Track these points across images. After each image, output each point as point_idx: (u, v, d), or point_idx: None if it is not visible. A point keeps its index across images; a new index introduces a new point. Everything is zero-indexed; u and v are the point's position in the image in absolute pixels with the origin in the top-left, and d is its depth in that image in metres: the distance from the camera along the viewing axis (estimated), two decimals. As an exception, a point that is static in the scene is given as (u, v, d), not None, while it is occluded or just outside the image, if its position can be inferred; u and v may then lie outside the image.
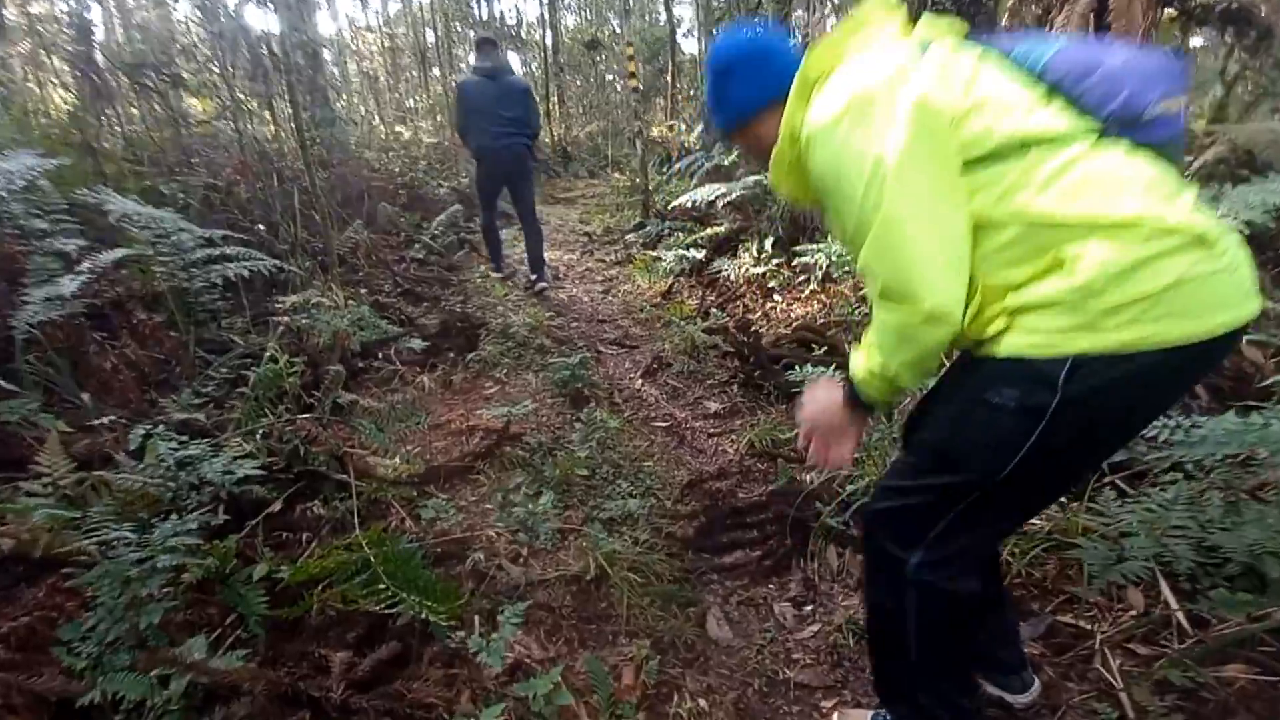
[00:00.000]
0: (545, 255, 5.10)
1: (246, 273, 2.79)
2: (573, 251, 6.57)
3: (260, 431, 2.18)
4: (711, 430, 2.81)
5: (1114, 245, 0.83)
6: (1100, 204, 0.85)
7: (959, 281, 0.90)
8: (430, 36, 20.19)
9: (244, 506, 1.93)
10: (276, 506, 1.99)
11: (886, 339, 0.96)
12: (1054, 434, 0.89)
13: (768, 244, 4.28)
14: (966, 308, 0.92)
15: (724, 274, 4.25)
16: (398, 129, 13.10)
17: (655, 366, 3.40)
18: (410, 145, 8.43)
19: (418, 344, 3.44)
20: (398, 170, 6.72)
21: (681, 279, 4.82)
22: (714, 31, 15.55)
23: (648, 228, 6.08)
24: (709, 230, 4.68)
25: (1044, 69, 0.92)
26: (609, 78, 21.14)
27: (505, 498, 2.19)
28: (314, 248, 3.88)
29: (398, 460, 2.29)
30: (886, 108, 0.90)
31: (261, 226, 3.40)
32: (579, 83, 21.10)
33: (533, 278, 4.92)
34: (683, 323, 3.84)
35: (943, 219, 0.89)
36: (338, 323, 2.92)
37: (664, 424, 2.87)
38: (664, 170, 8.51)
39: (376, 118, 11.34)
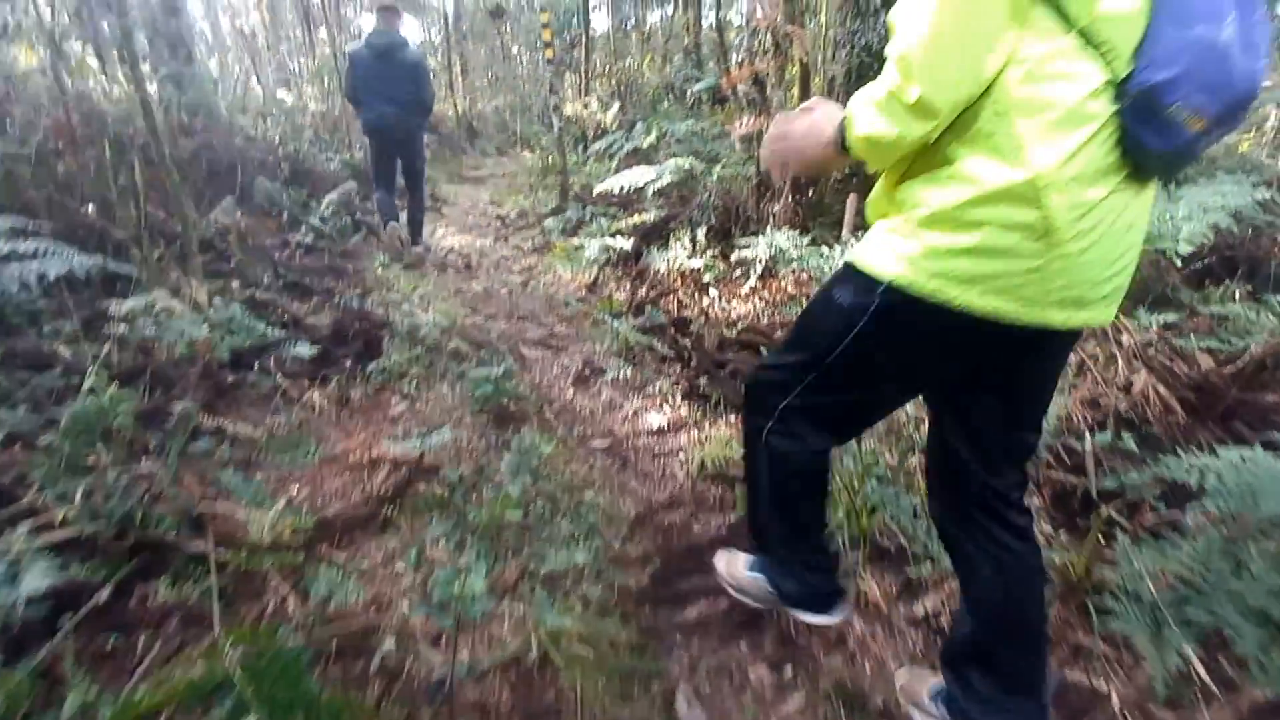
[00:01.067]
0: (455, 241, 5.06)
1: (52, 274, 2.13)
2: (485, 237, 5.99)
3: (82, 489, 1.61)
4: (656, 449, 2.49)
5: (998, 188, 0.85)
6: (1019, 138, 0.83)
7: (956, 94, 0.84)
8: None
9: (61, 596, 1.40)
10: (104, 595, 1.46)
11: (868, 117, 0.91)
12: (867, 336, 0.99)
13: (700, 234, 3.98)
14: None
15: (654, 267, 3.91)
16: (280, 94, 11.66)
17: (587, 373, 3.02)
18: (294, 112, 7.41)
19: (305, 350, 2.86)
20: (278, 140, 5.83)
21: (607, 269, 4.44)
22: (623, 6, 14.98)
23: (567, 213, 5.62)
24: (635, 218, 4.32)
25: None
26: (515, 49, 20.03)
27: (421, 556, 1.76)
28: (169, 232, 3.15)
29: (277, 512, 1.79)
30: None
31: (91, 207, 2.66)
32: (483, 53, 19.86)
33: (414, 245, 4.99)
34: (613, 320, 3.47)
35: (983, 45, 0.82)
36: (195, 331, 2.31)
37: (603, 443, 2.51)
38: (580, 150, 8.02)
39: (255, 78, 9.99)
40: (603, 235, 4.63)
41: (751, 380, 1.27)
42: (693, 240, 4.00)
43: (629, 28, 13.92)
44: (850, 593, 1.60)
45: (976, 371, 1.03)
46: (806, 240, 3.40)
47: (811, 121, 1.05)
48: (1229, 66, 0.78)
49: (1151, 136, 0.81)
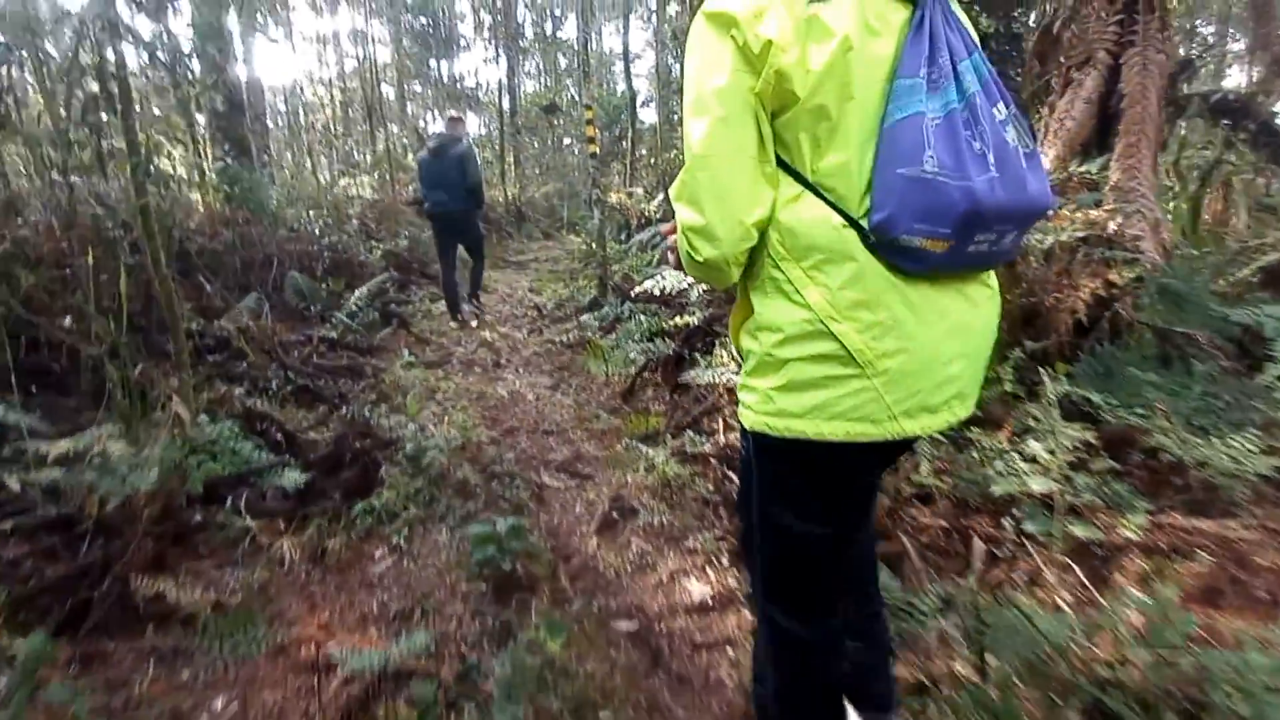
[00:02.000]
0: (488, 333, 5.22)
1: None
2: (519, 328, 5.68)
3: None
4: (698, 637, 1.90)
5: (795, 323, 0.92)
6: (802, 277, 0.91)
7: (733, 249, 0.93)
8: (389, 92, 19.54)
9: None
10: None
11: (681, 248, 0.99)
12: (779, 485, 1.05)
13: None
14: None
15: (698, 379, 3.42)
16: (343, 182, 12.15)
17: (615, 515, 2.49)
18: (344, 202, 7.47)
19: (292, 480, 2.44)
20: (319, 231, 5.75)
21: (646, 375, 3.98)
22: (670, 102, 15.43)
23: (604, 308, 5.26)
24: (679, 319, 3.89)
25: (887, 129, 0.87)
26: (566, 141, 20.86)
27: None
28: (155, 346, 2.87)
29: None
30: (742, 29, 0.86)
31: (69, 321, 2.39)
32: (535, 144, 20.72)
33: (464, 307, 5.70)
34: (649, 447, 2.97)
35: (744, 195, 0.91)
36: (138, 479, 1.89)
37: (629, 625, 1.94)
38: (622, 239, 7.82)
39: (317, 170, 10.37)
40: (642, 336, 4.21)
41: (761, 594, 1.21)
42: (741, 347, 3.53)
43: (675, 121, 14.19)
44: None
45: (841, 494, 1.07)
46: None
47: (673, 245, 1.16)
48: (944, 194, 0.82)
49: (905, 262, 0.88)
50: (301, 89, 20.76)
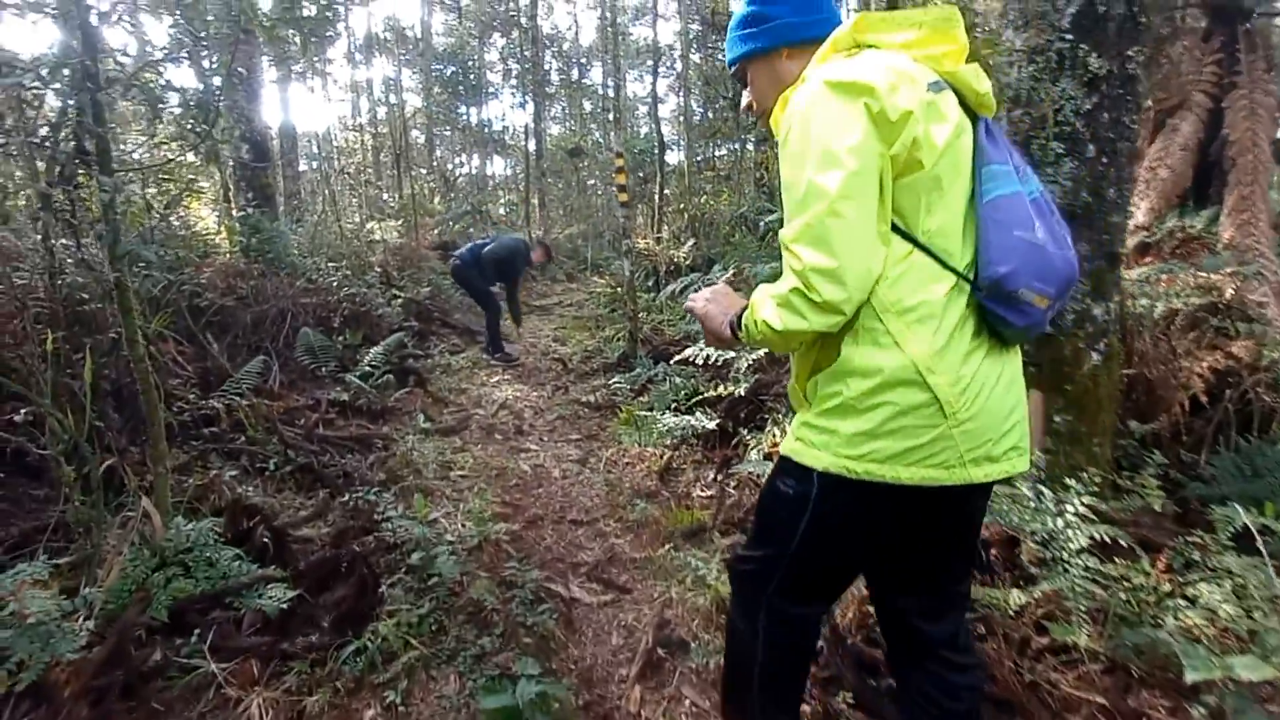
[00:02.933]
0: (509, 392, 4.98)
1: None
2: (543, 386, 5.27)
3: None
4: None
5: (887, 372, 0.97)
6: (899, 331, 0.97)
7: (860, 296, 0.96)
8: (418, 137, 19.81)
9: None
10: None
11: (778, 294, 1.00)
12: (820, 518, 1.08)
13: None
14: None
15: (750, 469, 2.96)
16: (369, 225, 12.08)
17: (659, 652, 2.01)
18: (365, 250, 7.24)
19: (274, 601, 2.01)
20: (338, 283, 5.46)
21: (684, 449, 3.53)
22: (695, 145, 15.31)
23: (636, 369, 4.85)
24: (720, 388, 3.46)
25: (990, 201, 0.98)
26: (590, 182, 20.88)
27: None
28: (134, 434, 2.50)
29: None
30: (883, 99, 0.95)
31: (24, 413, 2.03)
32: (560, 186, 20.77)
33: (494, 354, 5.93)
34: (695, 550, 2.50)
35: (868, 245, 0.96)
36: (62, 644, 1.46)
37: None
38: (649, 286, 7.46)
39: (342, 217, 10.27)
40: (679, 406, 3.78)
41: (733, 573, 1.29)
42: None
43: (700, 163, 14.02)
44: None
45: (906, 540, 1.11)
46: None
47: (708, 316, 1.19)
48: (1050, 259, 0.97)
49: (1012, 316, 0.97)
50: (333, 135, 21.18)
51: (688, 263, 7.46)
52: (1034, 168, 2.55)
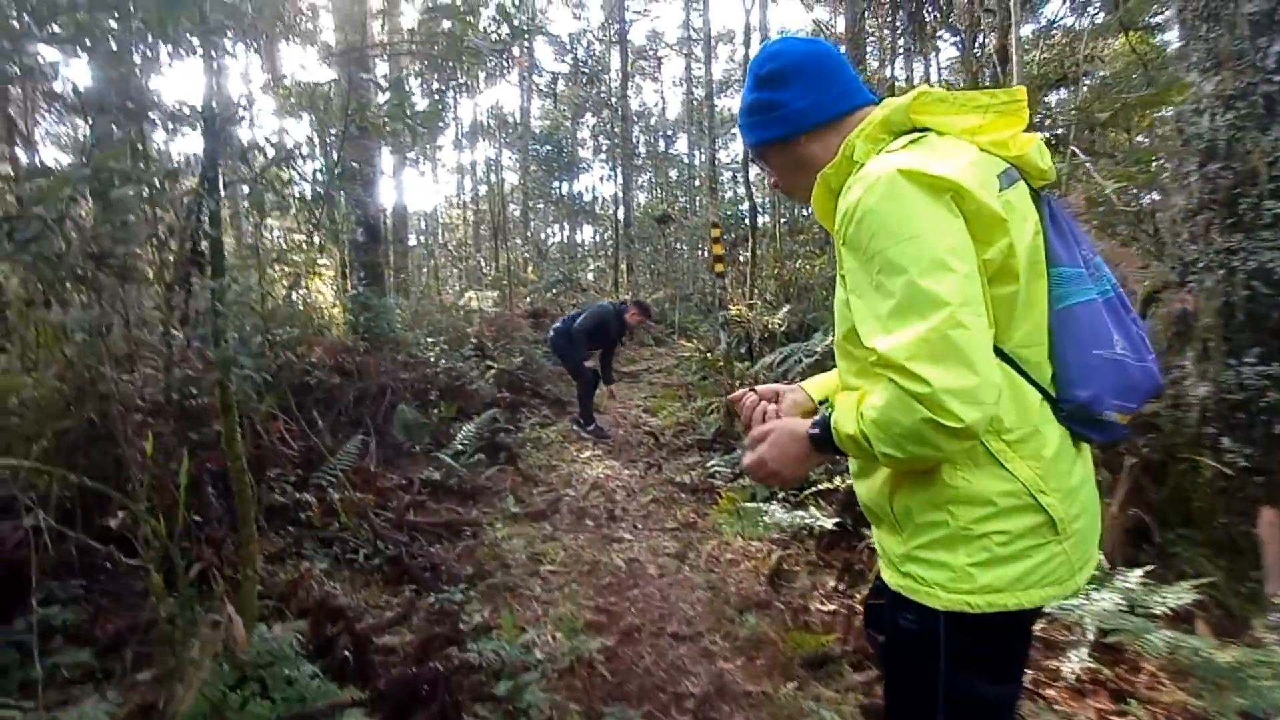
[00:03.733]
0: (600, 469, 4.78)
1: None
2: (634, 464, 5.00)
3: None
4: None
5: (1003, 494, 0.89)
6: (1006, 450, 0.90)
7: (992, 408, 0.83)
8: (514, 210, 21.04)
9: None
10: None
11: (895, 424, 0.83)
12: (954, 659, 0.93)
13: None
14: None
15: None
16: (467, 295, 12.67)
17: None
18: (460, 323, 7.43)
19: (350, 733, 1.80)
20: (434, 357, 5.55)
21: (796, 547, 3.11)
22: (782, 207, 15.17)
23: (736, 450, 4.49)
24: (838, 480, 3.04)
25: (1065, 310, 0.92)
26: (678, 247, 21.14)
27: None
28: (234, 523, 2.44)
29: None
30: (976, 196, 0.85)
31: (115, 522, 1.99)
32: (648, 252, 21.16)
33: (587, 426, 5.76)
34: (823, 688, 2.07)
35: (987, 353, 0.84)
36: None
37: None
38: (742, 354, 7.14)
39: (443, 288, 10.80)
40: (789, 498, 3.38)
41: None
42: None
43: (787, 224, 13.80)
44: None
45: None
46: (1187, 590, 1.85)
47: (779, 446, 1.01)
48: (1130, 374, 0.92)
49: (1095, 434, 0.95)
50: (439, 213, 22.89)
51: (782, 329, 7.09)
52: (1244, 231, 1.95)
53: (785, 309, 7.28)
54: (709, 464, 4.49)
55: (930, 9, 4.90)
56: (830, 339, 6.00)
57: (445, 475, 4.07)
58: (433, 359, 5.49)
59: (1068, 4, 7.04)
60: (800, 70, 1.03)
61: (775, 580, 2.93)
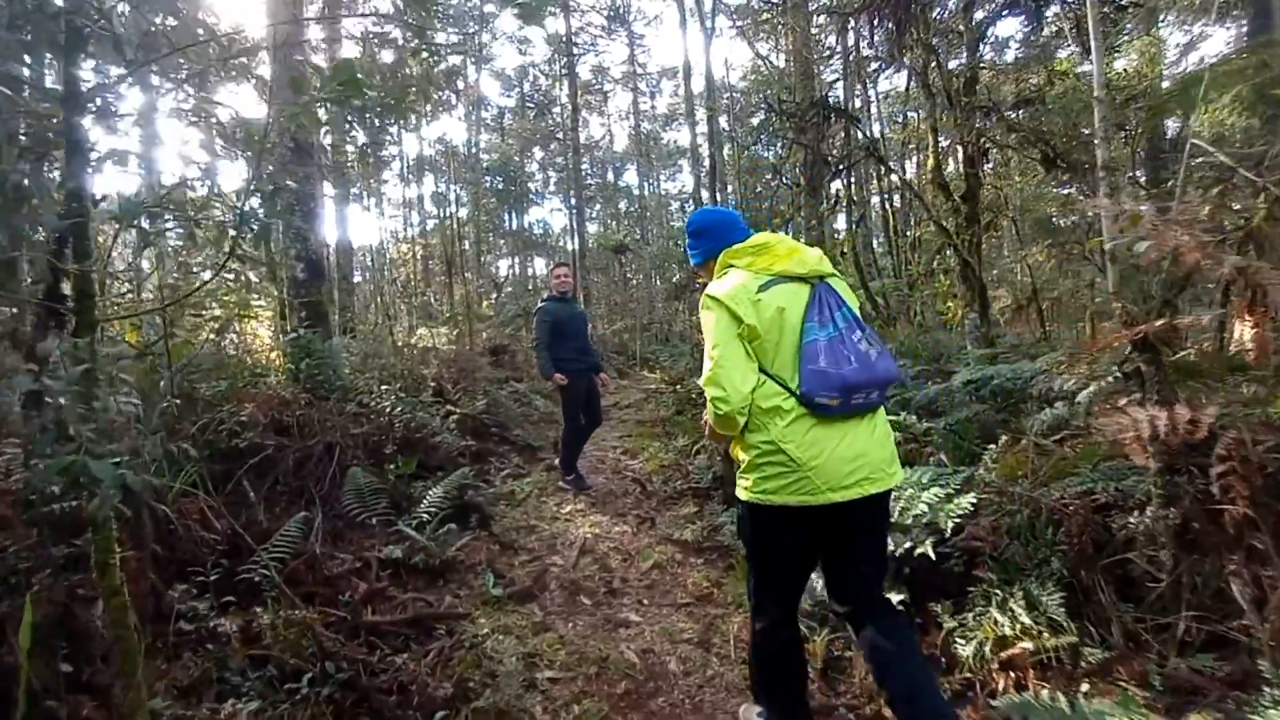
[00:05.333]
0: (585, 528, 4.07)
1: None
2: (623, 518, 4.40)
3: None
4: None
5: (765, 444, 1.71)
6: (766, 422, 1.71)
7: (740, 403, 1.70)
8: (467, 244, 20.26)
9: None
10: None
11: (711, 409, 1.75)
12: (757, 531, 1.84)
13: (1046, 594, 2.11)
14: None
15: (957, 650, 2.02)
16: (420, 332, 11.83)
17: None
18: (415, 365, 6.70)
19: None
20: (388, 407, 4.83)
21: (847, 627, 2.58)
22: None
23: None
24: (901, 541, 2.55)
25: (806, 343, 1.72)
26: (632, 279, 20.79)
27: None
28: (102, 685, 1.72)
29: None
30: (730, 307, 1.74)
31: None
32: (604, 283, 20.72)
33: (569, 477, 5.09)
34: None
35: (740, 376, 1.71)
36: None
37: None
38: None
39: (394, 327, 9.98)
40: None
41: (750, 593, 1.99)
42: (1028, 602, 2.12)
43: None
44: None
45: (818, 539, 1.80)
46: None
47: (708, 420, 1.84)
48: (829, 378, 1.66)
49: (819, 410, 1.68)
50: (386, 247, 21.86)
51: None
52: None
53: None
54: (710, 516, 3.94)
55: (905, 26, 4.77)
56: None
57: (409, 551, 3.37)
58: (387, 408, 4.77)
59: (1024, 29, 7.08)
60: (705, 230, 2.02)
61: (827, 673, 2.39)
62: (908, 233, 12.85)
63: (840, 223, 16.66)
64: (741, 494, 1.79)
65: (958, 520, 2.36)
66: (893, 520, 2.51)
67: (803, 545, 1.80)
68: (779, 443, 1.66)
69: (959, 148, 6.43)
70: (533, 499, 4.79)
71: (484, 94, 20.35)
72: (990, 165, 7.25)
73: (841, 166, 6.60)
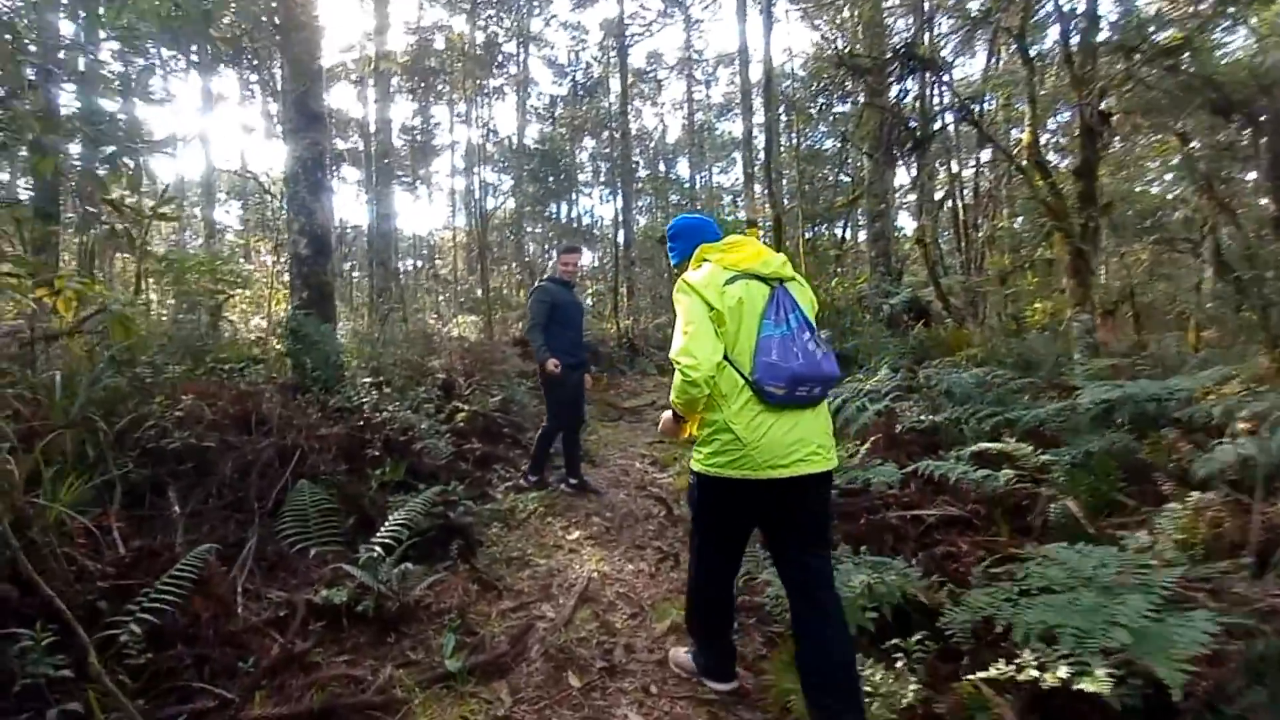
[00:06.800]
0: (591, 563, 3.34)
1: None
2: (641, 551, 3.53)
3: None
4: None
5: (717, 422, 1.89)
6: (721, 404, 1.88)
7: (709, 371, 1.84)
8: (510, 236, 19.78)
9: None
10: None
11: (676, 388, 1.90)
12: (704, 499, 2.03)
13: None
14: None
15: None
16: (457, 319, 11.28)
17: None
18: (424, 354, 6.00)
19: None
20: (369, 402, 4.10)
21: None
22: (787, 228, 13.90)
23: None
24: (937, 594, 1.60)
25: (761, 337, 1.88)
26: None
27: None
28: None
29: None
30: (700, 293, 1.92)
31: None
32: (648, 275, 19.87)
33: (571, 481, 4.60)
34: None
35: (710, 348, 1.86)
36: None
37: None
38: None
39: (429, 313, 9.40)
40: (873, 611, 1.93)
41: (691, 540, 2.28)
42: None
43: (817, 236, 12.52)
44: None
45: (762, 513, 1.99)
46: None
47: (664, 419, 2.15)
48: (778, 370, 1.81)
49: (767, 397, 1.83)
50: (433, 236, 21.66)
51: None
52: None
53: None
54: (746, 562, 3.01)
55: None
56: (886, 373, 4.50)
57: (355, 594, 2.60)
58: (367, 405, 4.04)
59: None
60: (682, 232, 2.27)
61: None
62: (979, 226, 11.46)
63: (901, 220, 15.23)
64: (694, 465, 1.99)
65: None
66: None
67: (740, 515, 2.00)
68: (728, 422, 1.84)
69: (1075, 113, 5.23)
70: (535, 518, 3.98)
71: (533, 76, 19.76)
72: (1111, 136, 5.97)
73: (922, 136, 5.50)
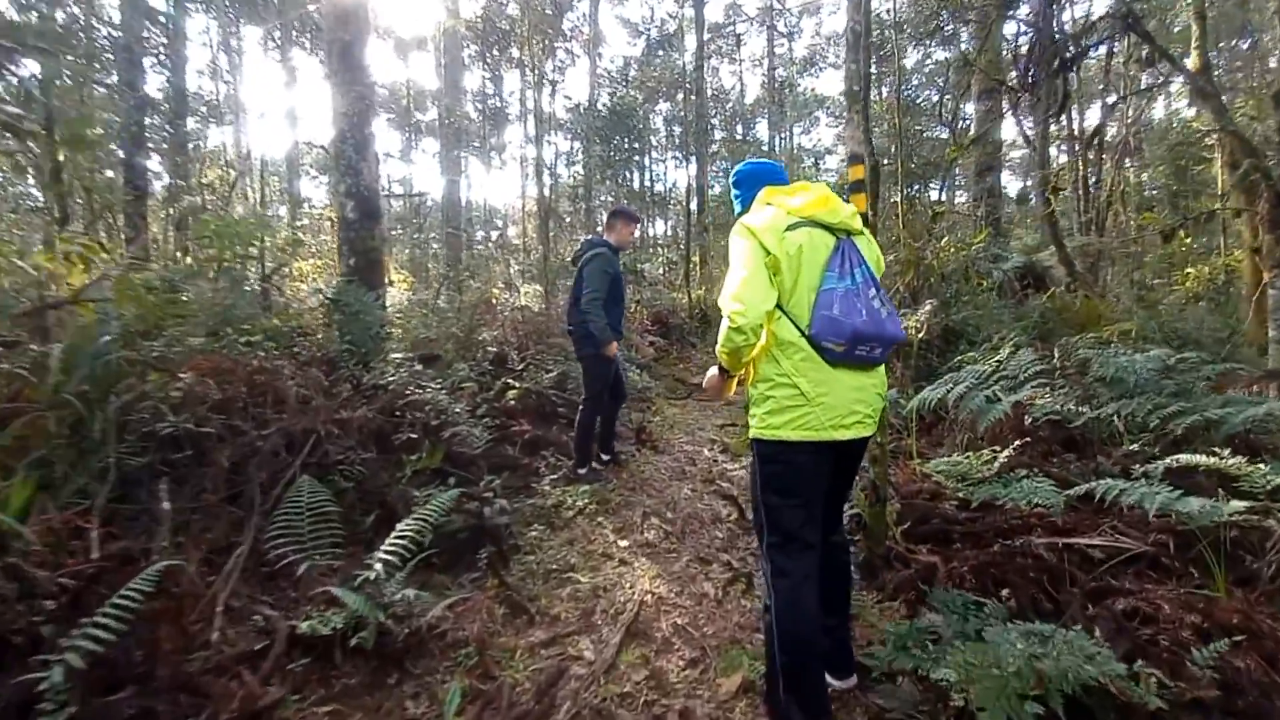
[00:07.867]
0: (645, 581, 2.70)
1: None
2: (707, 566, 2.88)
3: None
4: None
5: (778, 376, 1.77)
6: (780, 355, 1.78)
7: (757, 320, 1.72)
8: (581, 204, 19.25)
9: None
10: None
11: (723, 335, 1.76)
12: (766, 467, 1.82)
13: None
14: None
15: None
16: (525, 289, 10.92)
17: None
18: (473, 325, 5.53)
19: None
20: (394, 381, 3.64)
21: None
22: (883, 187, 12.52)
23: (886, 576, 2.28)
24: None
25: (822, 290, 1.76)
26: (755, 238, 18.65)
27: None
28: None
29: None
30: (758, 236, 1.77)
31: None
32: (723, 242, 18.84)
33: (604, 458, 4.26)
34: None
35: (762, 295, 1.73)
36: None
37: None
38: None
39: (494, 283, 9.04)
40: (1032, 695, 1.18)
41: (762, 555, 1.93)
42: None
43: (918, 192, 11.18)
44: None
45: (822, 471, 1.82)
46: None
47: (709, 377, 2.00)
48: (840, 325, 1.70)
49: (825, 354, 1.74)
50: (506, 207, 21.48)
51: (921, 336, 4.75)
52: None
53: (926, 307, 4.92)
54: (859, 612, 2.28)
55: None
56: (1010, 350, 3.62)
57: (350, 625, 2.12)
58: (392, 383, 3.57)
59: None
60: (747, 178, 2.06)
61: None
62: (1103, 183, 9.75)
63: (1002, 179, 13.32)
64: (752, 433, 1.83)
65: None
66: None
67: (807, 487, 1.80)
68: (792, 375, 1.74)
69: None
70: (584, 518, 3.41)
71: (604, 35, 18.85)
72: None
73: (1075, 50, 4.31)
